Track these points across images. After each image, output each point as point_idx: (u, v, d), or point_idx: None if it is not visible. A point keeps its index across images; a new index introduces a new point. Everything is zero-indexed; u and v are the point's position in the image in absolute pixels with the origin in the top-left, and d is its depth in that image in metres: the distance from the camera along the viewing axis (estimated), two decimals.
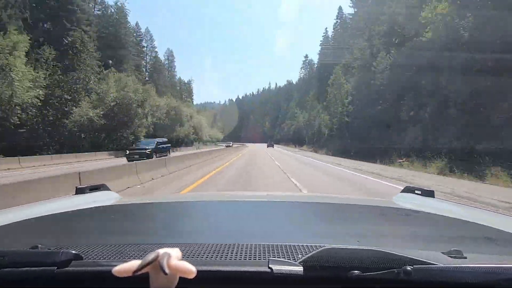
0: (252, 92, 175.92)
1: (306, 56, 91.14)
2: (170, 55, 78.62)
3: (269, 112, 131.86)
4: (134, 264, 0.35)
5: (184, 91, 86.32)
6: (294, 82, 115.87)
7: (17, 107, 19.88)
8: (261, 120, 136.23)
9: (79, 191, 1.36)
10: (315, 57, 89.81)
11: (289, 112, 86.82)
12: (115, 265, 0.36)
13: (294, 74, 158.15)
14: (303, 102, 72.19)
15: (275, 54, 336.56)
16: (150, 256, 0.35)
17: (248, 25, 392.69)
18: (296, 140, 65.75)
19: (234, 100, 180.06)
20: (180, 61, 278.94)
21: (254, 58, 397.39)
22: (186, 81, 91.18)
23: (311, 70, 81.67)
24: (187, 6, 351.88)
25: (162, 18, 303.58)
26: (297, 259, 0.56)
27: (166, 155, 18.68)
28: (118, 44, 41.53)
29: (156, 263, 0.35)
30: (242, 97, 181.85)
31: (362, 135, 26.09)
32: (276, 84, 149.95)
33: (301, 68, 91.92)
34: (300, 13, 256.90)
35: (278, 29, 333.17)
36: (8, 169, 15.11)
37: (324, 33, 72.61)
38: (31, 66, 21.61)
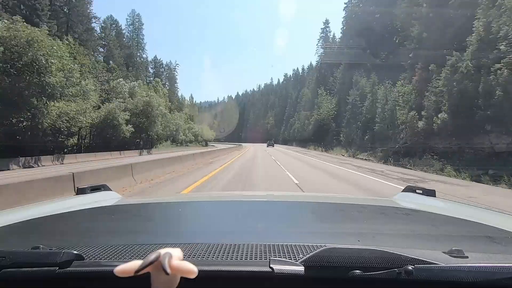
0: (253, 88, 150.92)
1: (326, 23, 63.28)
2: (136, 20, 55.83)
3: (273, 107, 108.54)
4: (135, 264, 0.35)
5: (163, 75, 63.89)
6: (305, 67, 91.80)
7: None
8: (263, 117, 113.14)
9: (80, 191, 1.36)
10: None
11: (303, 100, 63.61)
12: (117, 265, 0.36)
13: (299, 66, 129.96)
14: (325, 84, 49.03)
15: (276, 52, 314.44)
16: (152, 256, 0.35)
17: (248, 22, 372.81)
18: (318, 138, 42.63)
19: (233, 97, 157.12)
20: (180, 61, 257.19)
21: (255, 56, 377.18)
22: (165, 63, 68.61)
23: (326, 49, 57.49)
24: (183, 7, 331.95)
25: (164, 19, 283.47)
26: (298, 259, 0.56)
27: None
28: None
29: (157, 263, 0.34)
30: (242, 94, 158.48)
31: None
32: (278, 79, 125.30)
33: (318, 40, 64.10)
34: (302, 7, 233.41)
35: (278, 25, 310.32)
36: None
37: None
38: None
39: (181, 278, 0.36)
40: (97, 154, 21.23)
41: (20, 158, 15.14)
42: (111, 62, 40.57)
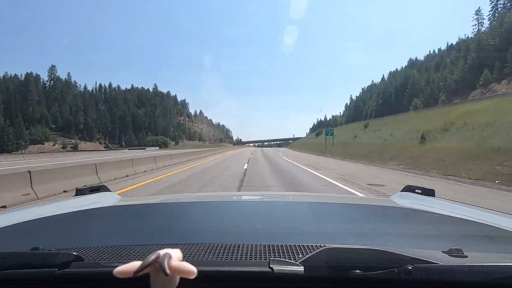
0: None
1: None
2: None
3: None
4: (135, 265, 0.35)
5: None
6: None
7: None
8: None
9: (79, 192, 1.37)
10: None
11: None
12: (116, 266, 0.36)
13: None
14: None
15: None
16: (151, 257, 0.35)
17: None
18: None
19: None
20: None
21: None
22: None
23: None
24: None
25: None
26: (298, 259, 0.56)
27: None
28: None
29: (156, 264, 0.34)
30: None
31: None
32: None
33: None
34: None
35: None
36: None
37: None
38: None
39: (181, 278, 0.36)
40: None
41: None
42: None
